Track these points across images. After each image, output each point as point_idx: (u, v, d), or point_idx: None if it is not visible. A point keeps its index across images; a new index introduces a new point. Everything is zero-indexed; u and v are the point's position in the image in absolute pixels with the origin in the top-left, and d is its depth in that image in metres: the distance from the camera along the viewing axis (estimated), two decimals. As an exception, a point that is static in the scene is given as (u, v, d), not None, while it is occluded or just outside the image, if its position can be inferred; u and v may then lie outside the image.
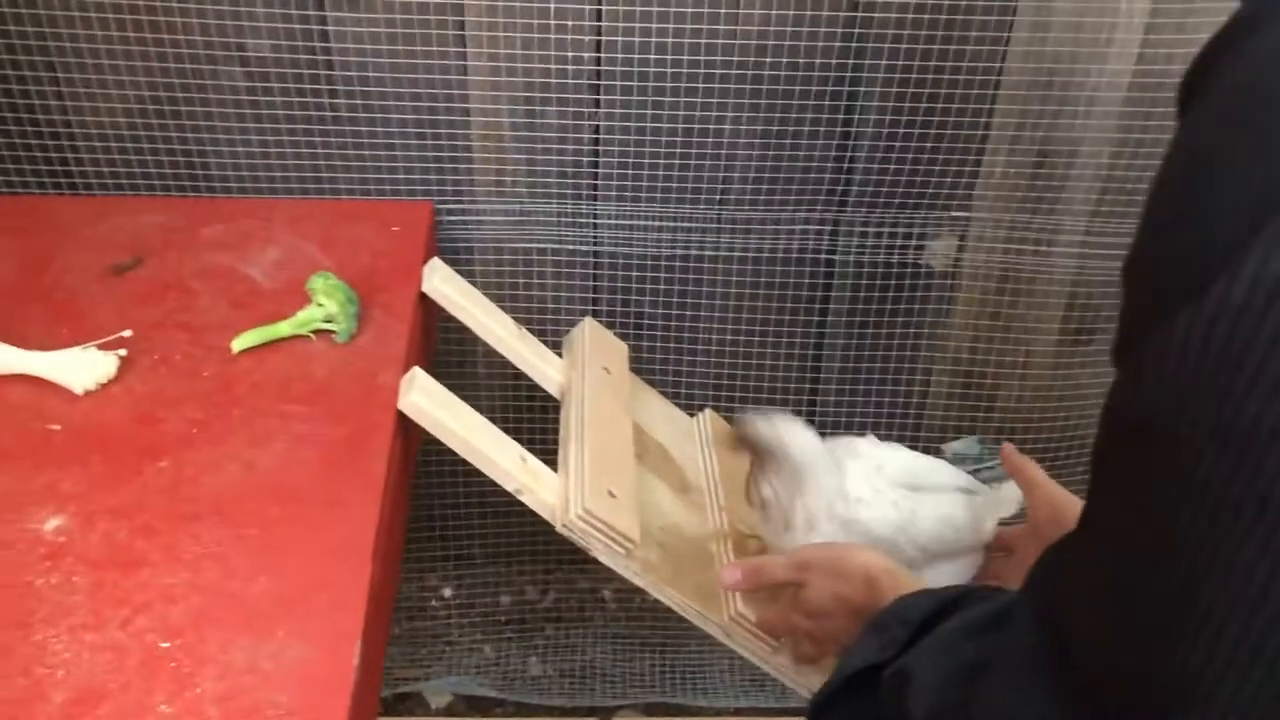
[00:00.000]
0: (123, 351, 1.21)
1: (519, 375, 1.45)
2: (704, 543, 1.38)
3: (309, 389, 1.21)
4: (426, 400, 1.20)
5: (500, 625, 2.04)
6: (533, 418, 1.74)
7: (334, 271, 1.28)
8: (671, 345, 1.72)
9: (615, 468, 1.31)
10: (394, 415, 1.19)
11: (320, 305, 1.23)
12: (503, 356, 1.44)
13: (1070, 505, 1.16)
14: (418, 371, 1.23)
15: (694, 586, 1.29)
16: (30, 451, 1.11)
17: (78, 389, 1.17)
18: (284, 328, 1.24)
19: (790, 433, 1.19)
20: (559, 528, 1.24)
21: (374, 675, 1.03)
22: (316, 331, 1.25)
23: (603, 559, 1.25)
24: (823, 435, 1.23)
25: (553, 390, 1.44)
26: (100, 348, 1.20)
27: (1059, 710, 0.59)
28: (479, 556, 1.98)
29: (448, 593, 2.05)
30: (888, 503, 1.21)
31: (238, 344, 1.23)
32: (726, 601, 1.30)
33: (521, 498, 1.24)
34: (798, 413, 1.80)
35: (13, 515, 1.05)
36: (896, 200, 1.62)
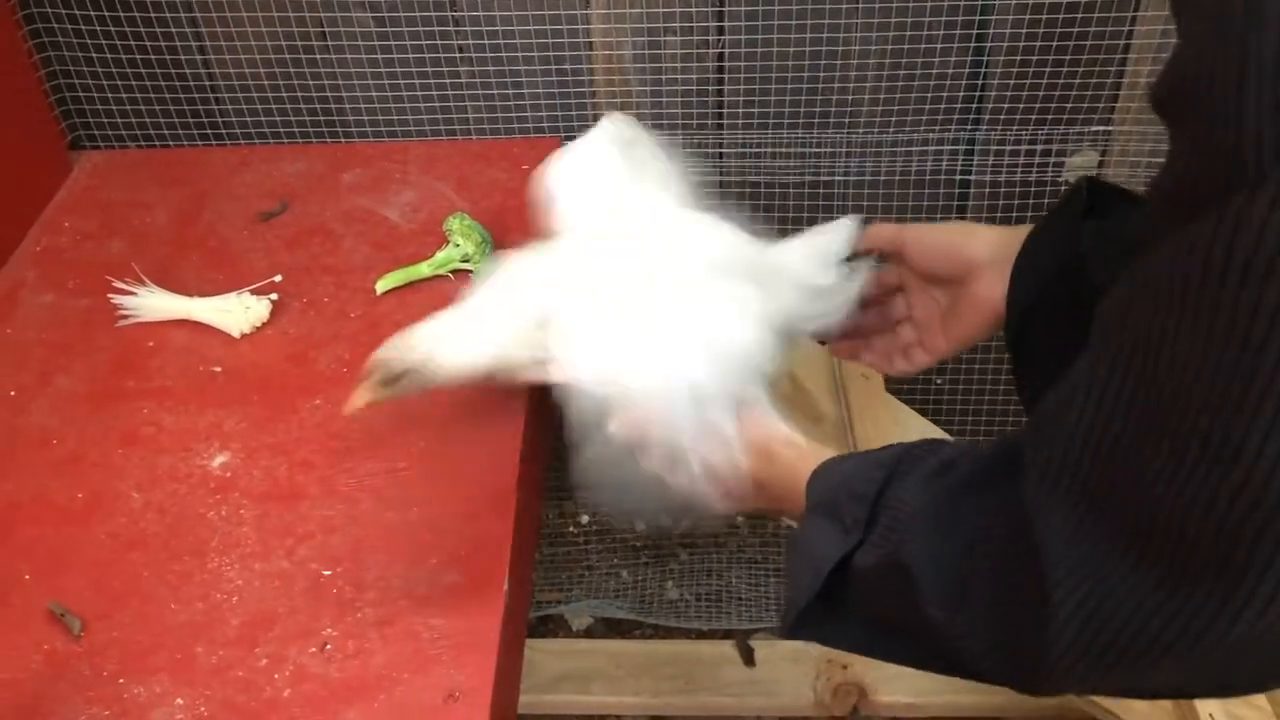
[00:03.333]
0: (274, 296, 1.27)
1: (650, 307, 1.46)
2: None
3: (449, 327, 1.25)
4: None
5: (636, 551, 2.08)
6: None
7: (468, 212, 1.32)
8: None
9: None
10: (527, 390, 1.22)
11: (457, 245, 1.27)
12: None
13: (956, 235, 1.00)
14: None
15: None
16: (195, 392, 1.19)
17: (235, 332, 1.23)
18: (424, 269, 1.28)
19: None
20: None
21: (523, 598, 1.08)
22: (455, 271, 1.28)
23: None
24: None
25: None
26: (253, 293, 1.26)
27: (1134, 573, 0.56)
28: (616, 484, 2.02)
29: (585, 519, 2.10)
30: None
31: (381, 285, 1.27)
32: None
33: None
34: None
35: (183, 452, 1.12)
36: (1034, 116, 1.56)
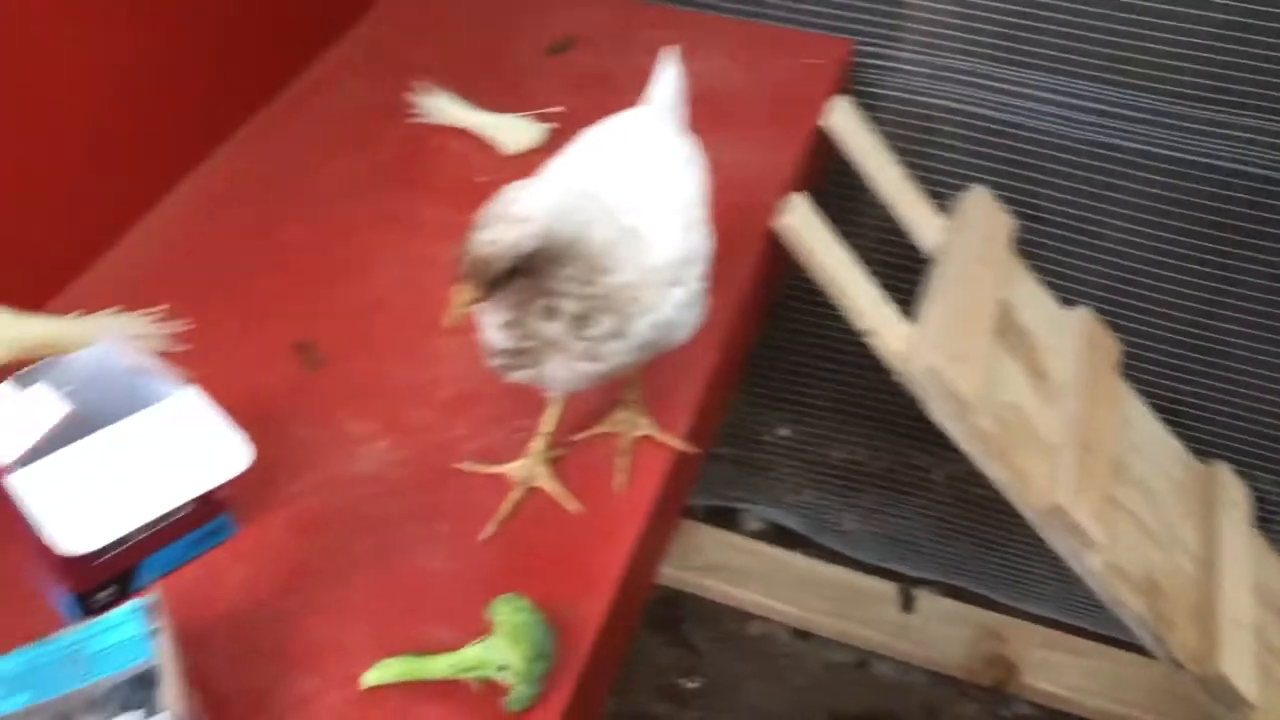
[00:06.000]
0: (555, 125, 1.35)
1: (896, 230, 1.46)
2: (1042, 432, 1.36)
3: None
4: (801, 225, 1.26)
5: (826, 476, 2.10)
6: (902, 275, 1.72)
7: (532, 602, 0.86)
8: (1062, 235, 1.64)
9: (969, 332, 1.31)
10: (766, 233, 1.25)
11: (490, 647, 0.84)
12: (885, 207, 1.45)
13: None
14: (798, 198, 1.28)
15: (1019, 468, 1.28)
16: (459, 195, 1.28)
17: (509, 150, 1.33)
18: (440, 665, 0.86)
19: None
20: (899, 373, 1.27)
21: (710, 423, 1.13)
22: (481, 680, 0.85)
23: (935, 415, 1.27)
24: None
25: (926, 247, 1.45)
26: (534, 118, 1.35)
27: None
28: (821, 408, 2.04)
29: (784, 433, 2.13)
30: None
31: (369, 679, 0.88)
32: (1048, 491, 1.28)
33: (870, 340, 1.28)
34: (1190, 344, 1.68)
35: (436, 243, 1.23)
36: None
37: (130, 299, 1.12)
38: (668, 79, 1.07)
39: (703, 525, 2.11)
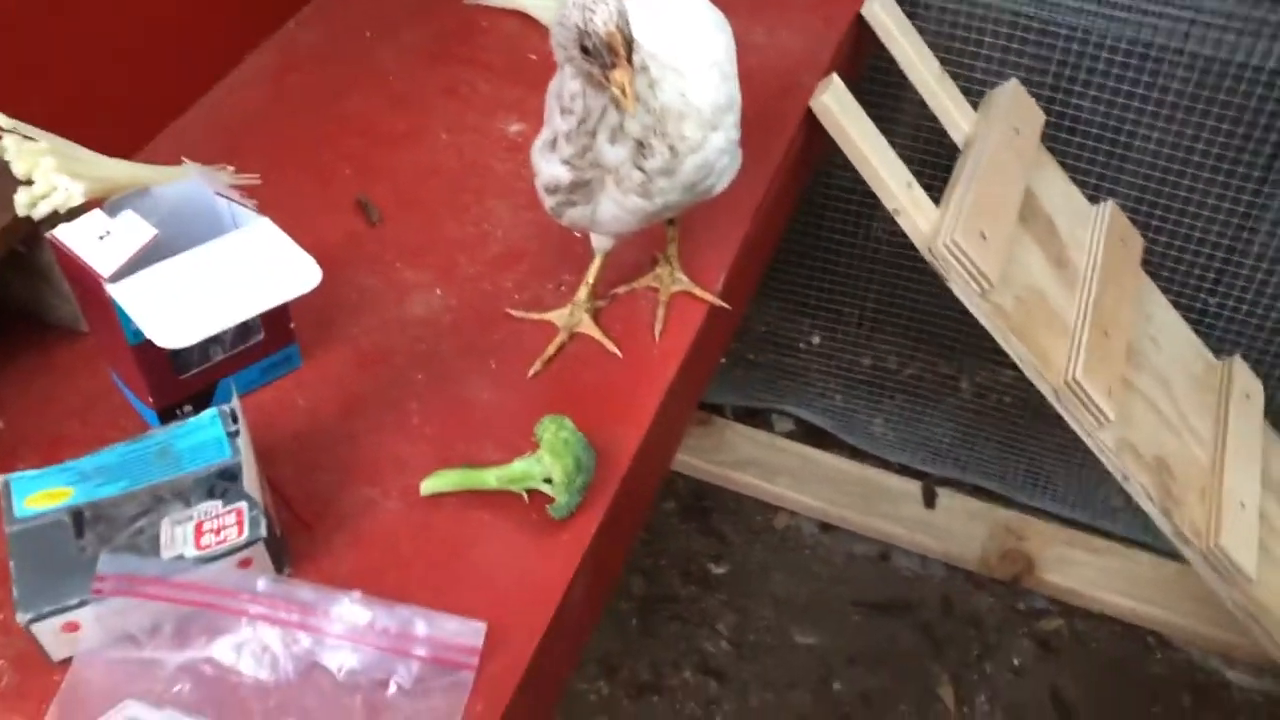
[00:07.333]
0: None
1: (931, 118, 1.51)
2: (1062, 315, 1.41)
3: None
4: (836, 105, 1.31)
5: (856, 381, 2.16)
6: (933, 170, 1.75)
7: (572, 420, 0.95)
8: (1094, 131, 1.67)
9: (994, 215, 1.36)
10: (803, 111, 1.31)
11: (539, 462, 0.94)
12: (919, 95, 1.50)
13: None
14: (835, 78, 1.33)
15: (1038, 346, 1.34)
16: (511, 70, 1.36)
17: (556, 31, 1.38)
18: (489, 478, 0.95)
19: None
20: (925, 252, 1.32)
21: (737, 296, 1.19)
22: (529, 491, 0.95)
23: (958, 293, 1.33)
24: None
25: (958, 140, 1.50)
26: None
27: None
28: (853, 317, 2.09)
29: (816, 340, 2.19)
30: None
31: (427, 487, 0.97)
32: (1066, 367, 1.34)
33: (898, 219, 1.34)
34: (1219, 246, 1.71)
35: (488, 114, 1.30)
36: None
37: (201, 159, 1.19)
38: None
39: (735, 423, 2.19)
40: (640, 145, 0.92)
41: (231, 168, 1.16)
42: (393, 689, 0.81)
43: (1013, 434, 2.04)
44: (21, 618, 0.78)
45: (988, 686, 1.87)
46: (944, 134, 1.51)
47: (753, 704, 1.85)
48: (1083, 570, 1.96)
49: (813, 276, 2.01)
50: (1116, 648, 1.93)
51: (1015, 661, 1.91)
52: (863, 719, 1.83)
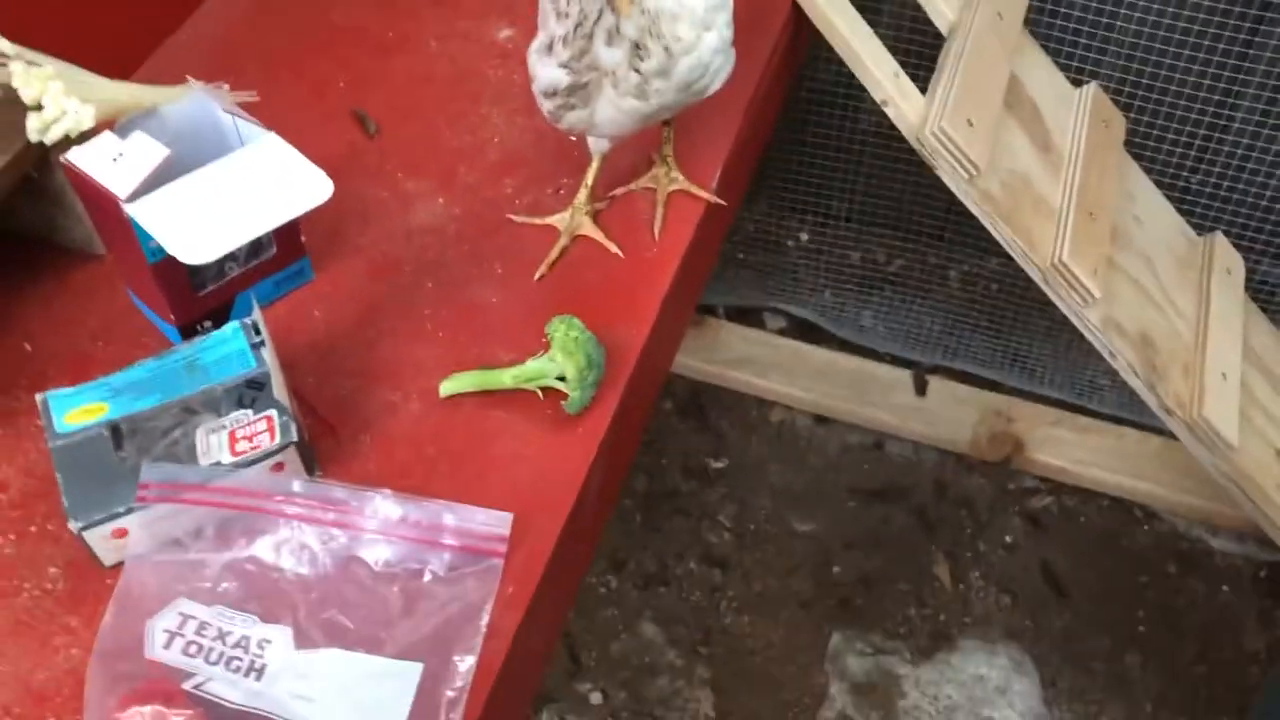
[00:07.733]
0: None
1: (915, 7, 1.52)
2: (1048, 199, 1.44)
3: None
4: (822, -2, 1.32)
5: (845, 278, 2.20)
6: (917, 51, 1.74)
7: (581, 320, 0.99)
8: (1076, 14, 1.68)
9: (980, 102, 1.38)
10: (789, 6, 1.32)
11: (553, 361, 0.97)
12: (903, -13, 1.50)
13: None
14: (820, -29, 1.33)
15: (1025, 229, 1.38)
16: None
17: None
18: (505, 378, 0.99)
19: None
20: (913, 141, 1.35)
21: (732, 192, 1.22)
22: (544, 389, 0.99)
23: (946, 180, 1.36)
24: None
25: (942, 27, 1.50)
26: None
27: None
28: (841, 214, 2.12)
29: (804, 237, 2.22)
30: None
31: (446, 388, 1.01)
32: (1053, 250, 1.38)
33: (886, 110, 1.36)
34: (1200, 124, 1.73)
35: (478, 20, 1.31)
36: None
37: (196, 75, 1.20)
38: None
39: (728, 323, 2.23)
40: (636, 47, 0.94)
41: (227, 85, 1.16)
42: (428, 577, 0.86)
43: (999, 320, 2.09)
44: (74, 525, 0.82)
45: (981, 564, 1.95)
46: (928, 22, 1.52)
47: (756, 589, 1.92)
48: (1070, 449, 2.03)
49: (800, 175, 2.03)
50: (1104, 521, 2.01)
51: (1007, 539, 1.99)
52: (863, 600, 1.91)
